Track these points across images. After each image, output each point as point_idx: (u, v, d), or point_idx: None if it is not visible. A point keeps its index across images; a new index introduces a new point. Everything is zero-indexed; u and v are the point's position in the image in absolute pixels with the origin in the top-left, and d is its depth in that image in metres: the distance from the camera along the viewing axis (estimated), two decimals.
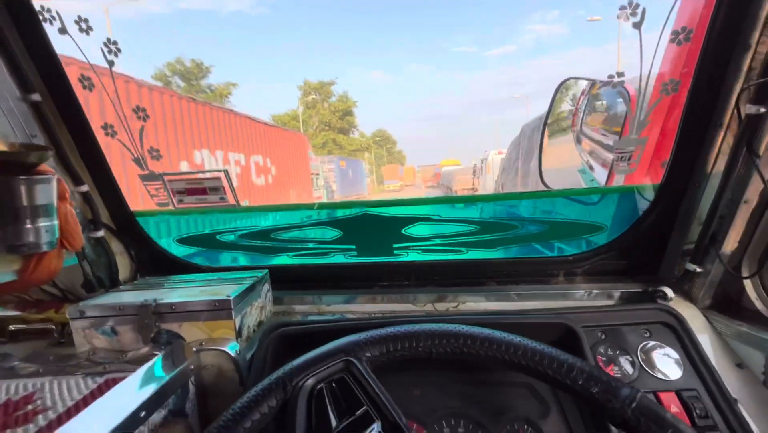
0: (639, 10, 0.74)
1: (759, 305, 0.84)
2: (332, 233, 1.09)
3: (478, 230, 1.04)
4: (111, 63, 0.90)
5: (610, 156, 1.20)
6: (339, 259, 1.12)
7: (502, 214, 1.04)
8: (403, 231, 1.06)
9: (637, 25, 0.75)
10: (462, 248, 1.07)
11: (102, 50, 0.87)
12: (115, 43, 0.87)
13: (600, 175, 1.51)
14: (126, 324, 0.85)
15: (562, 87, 1.41)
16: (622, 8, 0.73)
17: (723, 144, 0.79)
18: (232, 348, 0.81)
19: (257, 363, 0.82)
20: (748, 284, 0.85)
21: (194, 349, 0.80)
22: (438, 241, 1.07)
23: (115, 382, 0.70)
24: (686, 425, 0.47)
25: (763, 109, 0.70)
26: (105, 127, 0.96)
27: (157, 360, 0.76)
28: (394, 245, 1.08)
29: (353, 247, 1.10)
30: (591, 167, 1.62)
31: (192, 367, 0.78)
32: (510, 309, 1.00)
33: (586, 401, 0.53)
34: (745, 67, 0.72)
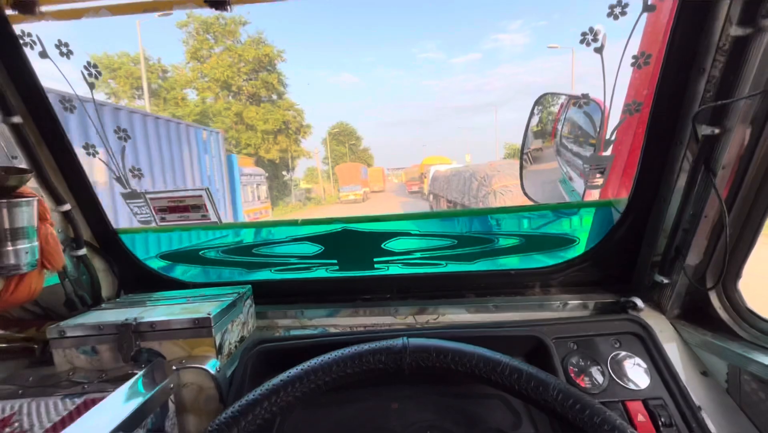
0: (600, 36, 0.78)
1: (723, 314, 0.87)
2: (313, 249, 1.11)
3: (456, 244, 1.07)
4: (92, 85, 0.91)
5: (587, 169, 1.23)
6: (321, 273, 1.13)
7: (478, 228, 1.07)
8: (383, 246, 1.08)
9: (599, 50, 0.78)
10: (441, 262, 1.10)
11: (83, 73, 0.89)
12: (95, 66, 0.88)
13: (579, 186, 1.55)
14: (106, 343, 0.85)
15: (539, 102, 1.45)
16: (584, 34, 0.77)
17: (684, 162, 0.83)
18: (211, 366, 0.83)
19: (237, 380, 0.83)
20: (712, 294, 0.89)
21: (174, 367, 0.81)
22: (418, 255, 1.09)
23: (94, 402, 0.71)
24: None
25: (717, 130, 0.74)
26: (86, 147, 0.98)
27: (136, 379, 0.77)
28: (375, 259, 1.10)
29: (335, 261, 1.12)
30: (571, 178, 1.66)
31: (172, 385, 0.79)
32: (487, 321, 1.03)
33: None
34: (701, 90, 0.76)
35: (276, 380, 0.62)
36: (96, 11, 0.79)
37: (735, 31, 0.67)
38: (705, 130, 0.75)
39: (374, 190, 39.00)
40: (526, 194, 1.65)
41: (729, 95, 0.72)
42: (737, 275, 0.85)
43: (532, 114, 1.51)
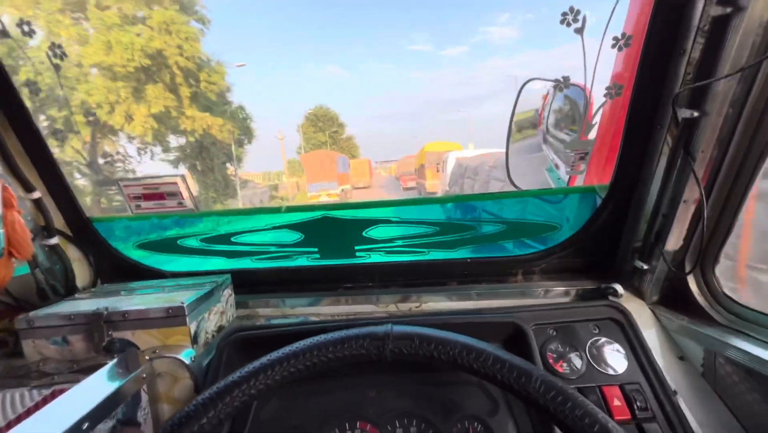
0: (580, 17, 0.76)
1: (700, 299, 0.87)
2: (294, 236, 1.09)
3: (438, 231, 1.06)
4: (57, 67, 0.88)
5: (570, 154, 1.22)
6: (302, 262, 1.12)
7: (460, 215, 1.06)
8: (364, 233, 1.07)
9: (579, 31, 0.77)
10: (423, 249, 1.08)
11: (47, 54, 0.85)
12: (60, 47, 0.85)
13: (565, 174, 1.55)
14: (77, 333, 0.83)
15: (524, 89, 1.43)
16: (564, 14, 0.75)
17: (664, 146, 0.82)
18: (186, 355, 0.81)
19: (213, 369, 0.82)
20: (691, 279, 0.89)
21: (147, 357, 0.80)
22: (400, 242, 1.08)
23: (62, 393, 0.69)
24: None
25: (696, 113, 0.73)
26: (55, 132, 0.94)
27: (106, 369, 0.76)
28: (356, 247, 1.09)
29: (315, 250, 1.10)
30: (557, 166, 1.65)
31: (144, 375, 0.78)
32: (470, 308, 1.02)
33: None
34: (681, 72, 0.75)
35: (256, 363, 0.60)
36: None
37: (715, 10, 0.66)
38: (684, 113, 0.74)
39: (358, 186, 31.84)
40: (512, 183, 1.64)
41: (708, 77, 0.71)
42: (715, 259, 0.85)
43: (517, 101, 1.50)
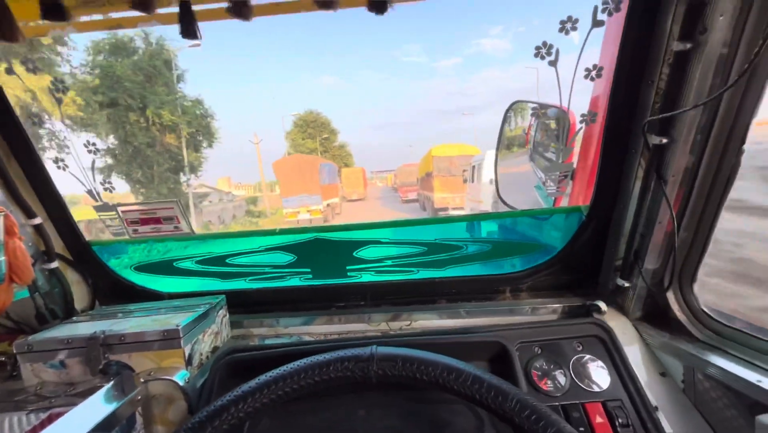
0: (553, 51, 0.80)
1: (680, 316, 0.90)
2: (286, 258, 1.12)
3: (426, 251, 1.09)
4: (59, 101, 0.92)
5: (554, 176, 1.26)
6: (295, 282, 1.15)
7: (448, 235, 1.09)
8: (355, 254, 1.10)
9: (553, 63, 0.81)
10: (413, 268, 1.11)
11: (49, 89, 0.90)
12: (62, 81, 0.89)
13: (552, 192, 1.58)
14: (75, 357, 0.86)
15: (511, 109, 1.48)
16: (538, 48, 0.80)
17: (639, 169, 0.86)
18: (180, 377, 0.83)
19: (206, 391, 0.84)
20: (671, 296, 0.92)
21: (142, 379, 0.82)
22: (389, 262, 1.11)
23: (59, 416, 0.71)
24: None
25: (666, 140, 0.77)
26: (56, 160, 0.98)
27: (102, 392, 0.78)
28: (348, 267, 1.12)
29: (308, 270, 1.13)
30: (545, 184, 1.69)
31: (139, 397, 0.80)
32: (459, 326, 1.05)
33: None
34: (650, 101, 0.79)
35: (245, 387, 0.63)
36: (63, 27, 0.80)
37: (677, 46, 0.70)
38: (654, 139, 0.78)
39: (351, 198, 27.70)
40: (501, 200, 1.68)
41: (675, 106, 0.75)
42: (693, 277, 0.89)
43: (504, 121, 1.54)
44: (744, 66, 0.63)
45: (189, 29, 0.76)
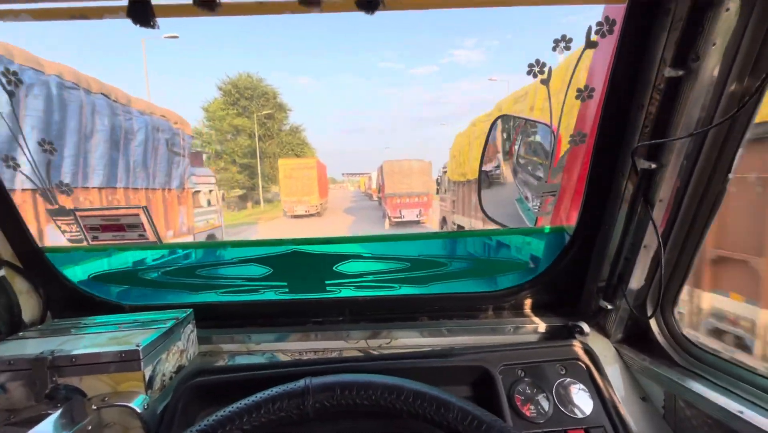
0: (546, 69, 0.79)
1: (661, 339, 0.90)
2: (262, 270, 1.06)
3: (409, 267, 1.05)
4: (11, 93, 0.83)
5: (539, 194, 1.26)
6: (270, 296, 1.08)
7: (431, 252, 1.06)
8: (334, 268, 1.05)
9: (545, 82, 0.80)
10: (395, 284, 1.08)
11: (0, 80, 0.81)
12: (15, 73, 0.80)
13: (534, 207, 1.58)
14: (18, 379, 0.77)
15: (495, 124, 1.47)
16: (531, 66, 0.78)
17: (626, 193, 0.85)
18: (138, 403, 0.76)
19: (168, 417, 0.77)
20: (652, 320, 0.91)
21: (94, 406, 0.74)
22: (371, 277, 1.07)
23: None
24: None
25: (654, 165, 0.77)
26: (6, 159, 0.89)
27: (50, 420, 0.69)
28: (327, 282, 1.06)
29: (285, 284, 1.07)
30: (527, 198, 1.69)
31: (90, 427, 0.72)
32: (440, 345, 1.01)
33: None
34: (640, 125, 0.79)
35: None
36: (15, 15, 0.72)
37: (669, 72, 0.70)
38: (643, 164, 0.78)
39: (295, 212, 18.45)
40: (483, 211, 1.67)
41: (665, 132, 0.75)
42: (674, 302, 0.89)
43: (489, 133, 1.54)
44: (739, 97, 0.64)
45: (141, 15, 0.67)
